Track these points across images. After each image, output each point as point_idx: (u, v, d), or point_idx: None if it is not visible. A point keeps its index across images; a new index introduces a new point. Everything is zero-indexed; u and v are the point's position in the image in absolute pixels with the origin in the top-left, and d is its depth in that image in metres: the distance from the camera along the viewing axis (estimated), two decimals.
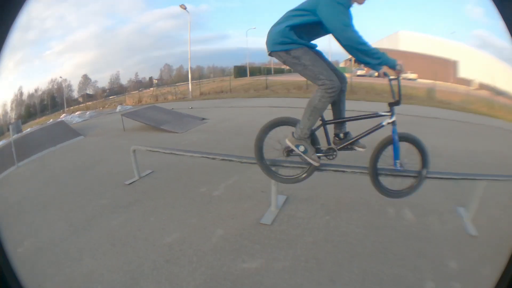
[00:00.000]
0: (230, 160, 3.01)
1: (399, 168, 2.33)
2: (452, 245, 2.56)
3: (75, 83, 10.93)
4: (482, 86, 10.38)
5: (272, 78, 10.03)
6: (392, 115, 2.26)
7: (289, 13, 2.16)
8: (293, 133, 2.32)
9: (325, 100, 2.12)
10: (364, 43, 2.02)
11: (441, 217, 2.92)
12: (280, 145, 2.45)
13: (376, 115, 2.30)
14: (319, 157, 2.35)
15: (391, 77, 2.17)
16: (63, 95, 10.22)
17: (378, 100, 8.22)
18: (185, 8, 9.96)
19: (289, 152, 2.41)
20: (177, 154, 3.34)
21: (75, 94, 10.92)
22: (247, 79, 10.42)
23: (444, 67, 10.66)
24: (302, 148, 2.30)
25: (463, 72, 10.75)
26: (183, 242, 2.42)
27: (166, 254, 2.28)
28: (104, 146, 5.58)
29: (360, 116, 2.33)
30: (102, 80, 11.49)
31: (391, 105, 2.26)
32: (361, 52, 2.04)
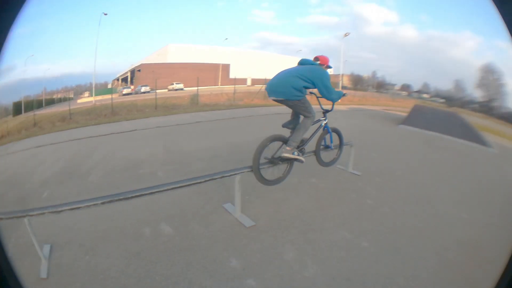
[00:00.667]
0: None
1: (332, 147, 3.96)
2: (226, 243, 2.65)
3: None
4: (255, 82, 11.85)
5: (40, 113, 8.98)
6: (326, 118, 3.78)
7: (299, 76, 3.20)
8: (286, 148, 3.30)
9: (312, 122, 3.39)
10: (337, 94, 3.42)
11: (204, 220, 3.03)
12: (266, 159, 3.28)
13: (318, 121, 3.65)
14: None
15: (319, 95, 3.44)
16: None
17: (140, 117, 8.49)
18: None
19: (282, 160, 3.36)
20: None
21: None
22: (22, 117, 8.81)
23: (214, 72, 11.54)
24: (296, 153, 3.36)
25: (237, 73, 11.95)
26: None
27: None
28: None
29: None
30: None
31: (325, 112, 3.78)
32: (335, 99, 3.45)
